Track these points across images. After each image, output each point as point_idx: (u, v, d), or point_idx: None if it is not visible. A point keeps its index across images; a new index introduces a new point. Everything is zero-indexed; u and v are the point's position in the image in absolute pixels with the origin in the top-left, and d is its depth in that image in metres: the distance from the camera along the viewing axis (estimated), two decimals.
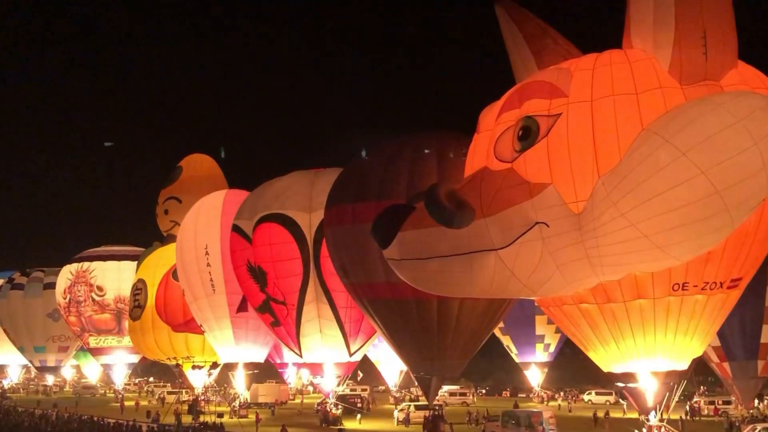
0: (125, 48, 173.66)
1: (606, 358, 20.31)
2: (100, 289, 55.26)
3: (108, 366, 59.86)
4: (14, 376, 79.54)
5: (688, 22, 16.50)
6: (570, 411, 49.96)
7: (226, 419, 43.28)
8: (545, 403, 55.22)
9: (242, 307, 41.57)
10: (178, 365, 48.97)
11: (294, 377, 57.72)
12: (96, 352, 59.29)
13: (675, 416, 36.65)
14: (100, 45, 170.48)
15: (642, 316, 18.64)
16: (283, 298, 37.81)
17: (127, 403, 54.24)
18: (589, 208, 16.26)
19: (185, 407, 46.99)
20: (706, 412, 45.90)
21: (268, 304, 38.65)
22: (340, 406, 41.74)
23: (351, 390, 52.99)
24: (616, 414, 42.90)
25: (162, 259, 48.69)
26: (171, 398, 54.86)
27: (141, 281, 50.00)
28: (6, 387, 74.96)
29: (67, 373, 78.86)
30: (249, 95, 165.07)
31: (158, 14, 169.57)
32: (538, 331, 53.28)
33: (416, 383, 35.39)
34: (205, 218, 43.99)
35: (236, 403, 46.94)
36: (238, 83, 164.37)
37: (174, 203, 50.77)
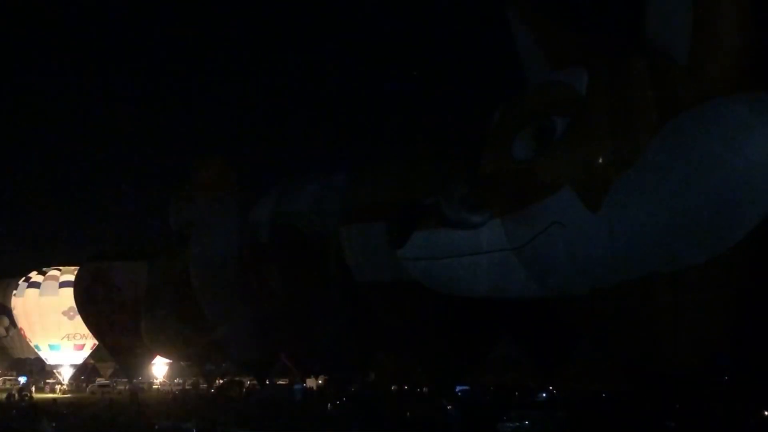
0: (139, 48, 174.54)
1: None
2: (117, 288, 55.58)
3: (123, 364, 60.30)
4: (29, 375, 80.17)
5: (706, 20, 16.45)
6: None
7: None
8: None
9: None
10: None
11: None
12: (112, 350, 59.70)
13: None
14: (114, 46, 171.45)
15: None
16: None
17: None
18: (606, 208, 16.27)
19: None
20: None
21: None
22: None
23: None
24: None
25: (176, 258, 48.95)
26: None
27: (155, 280, 50.33)
28: (22, 385, 75.56)
29: (82, 371, 79.40)
30: (259, 97, 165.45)
31: (170, 15, 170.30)
32: None
33: None
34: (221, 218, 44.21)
35: None
36: (249, 85, 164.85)
37: (187, 203, 51.09)
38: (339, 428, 29.52)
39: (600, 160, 16.59)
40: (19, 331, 70.24)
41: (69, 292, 61.37)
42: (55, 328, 66.50)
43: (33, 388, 67.47)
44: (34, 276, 68.29)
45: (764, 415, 22.41)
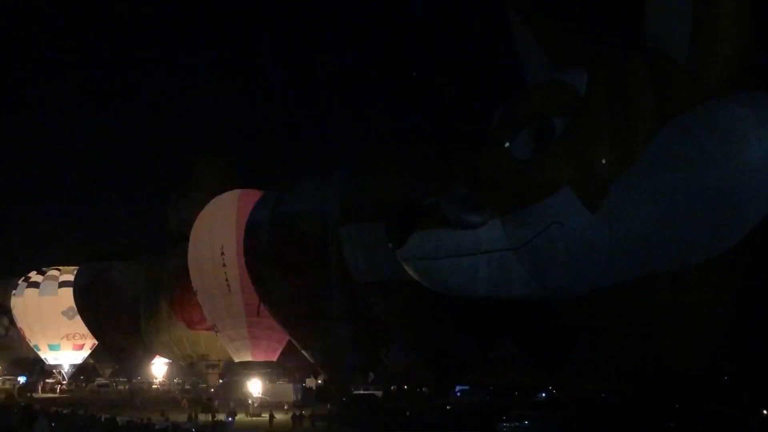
0: (140, 47, 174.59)
1: None
2: (117, 288, 55.53)
3: (123, 364, 60.34)
4: (29, 375, 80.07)
5: (706, 20, 16.45)
6: None
7: (240, 418, 43.46)
8: None
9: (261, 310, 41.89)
10: (192, 363, 49.27)
11: None
12: (111, 350, 59.71)
13: None
14: (114, 46, 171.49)
15: None
16: None
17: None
18: (606, 208, 16.28)
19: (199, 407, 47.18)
20: None
21: None
22: None
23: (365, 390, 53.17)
24: None
25: (175, 258, 48.98)
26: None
27: (155, 280, 50.33)
28: (21, 385, 75.56)
29: (82, 371, 79.43)
30: (259, 96, 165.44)
31: (171, 14, 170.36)
32: None
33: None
34: (220, 218, 44.27)
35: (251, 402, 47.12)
36: (249, 84, 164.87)
37: (186, 203, 51.13)
38: (339, 428, 29.56)
39: (599, 160, 16.58)
40: (18, 330, 70.23)
41: (68, 292, 61.39)
42: (55, 328, 66.50)
43: (38, 388, 67.53)
44: (34, 276, 68.29)
45: (764, 415, 22.47)
